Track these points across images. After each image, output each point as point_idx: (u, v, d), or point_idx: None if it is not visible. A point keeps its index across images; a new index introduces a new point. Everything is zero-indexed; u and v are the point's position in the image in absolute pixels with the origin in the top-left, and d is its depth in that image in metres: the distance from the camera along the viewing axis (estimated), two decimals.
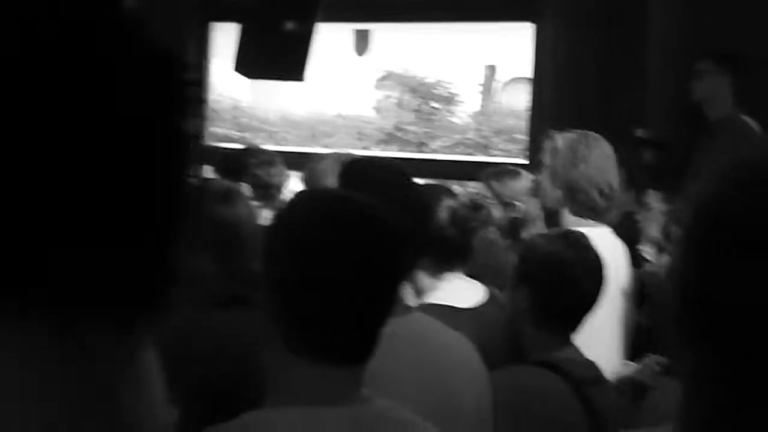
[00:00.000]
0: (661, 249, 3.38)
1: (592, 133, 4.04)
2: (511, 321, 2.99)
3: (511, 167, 5.22)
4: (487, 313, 3.16)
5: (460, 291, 3.19)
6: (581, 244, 3.00)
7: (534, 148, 5.81)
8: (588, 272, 2.96)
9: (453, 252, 3.18)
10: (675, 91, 5.98)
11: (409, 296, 3.10)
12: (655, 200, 4.69)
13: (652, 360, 3.13)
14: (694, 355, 1.04)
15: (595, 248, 3.02)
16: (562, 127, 4.23)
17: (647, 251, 3.58)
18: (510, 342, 3.01)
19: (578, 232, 3.17)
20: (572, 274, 2.92)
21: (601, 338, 3.51)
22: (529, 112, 6.75)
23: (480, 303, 3.22)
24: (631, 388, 3.20)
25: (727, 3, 5.88)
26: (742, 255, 0.97)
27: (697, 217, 1.04)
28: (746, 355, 0.98)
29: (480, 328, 2.93)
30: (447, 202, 3.20)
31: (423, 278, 3.14)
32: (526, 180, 4.88)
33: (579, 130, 4.08)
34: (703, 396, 1.04)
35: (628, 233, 4.68)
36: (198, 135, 0.80)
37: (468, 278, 3.27)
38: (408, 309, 2.37)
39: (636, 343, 3.83)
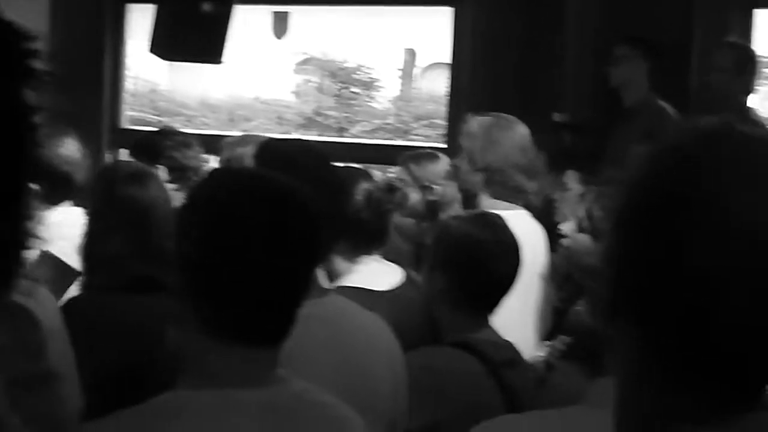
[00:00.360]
0: (582, 229, 3.39)
1: (508, 116, 4.07)
2: (428, 303, 2.98)
3: (429, 150, 5.22)
4: (404, 296, 3.15)
5: (377, 274, 3.18)
6: (497, 225, 3.01)
7: (453, 133, 5.81)
8: (504, 253, 2.96)
9: (368, 235, 3.17)
10: (592, 76, 6.02)
11: (325, 279, 3.08)
12: (572, 181, 4.72)
13: (560, 341, 3.14)
14: (630, 339, 1.04)
15: (511, 229, 3.02)
16: (479, 112, 4.24)
17: (565, 229, 3.60)
18: (427, 324, 3.00)
19: (494, 213, 3.18)
20: (487, 255, 2.92)
21: (517, 320, 3.53)
22: (448, 97, 6.75)
23: (396, 285, 3.20)
24: (542, 368, 3.22)
25: None
26: (676, 233, 0.99)
27: (628, 199, 1.06)
28: (684, 334, 0.99)
29: (396, 311, 2.92)
30: (363, 185, 3.18)
31: (339, 261, 3.12)
32: (444, 163, 4.89)
33: (495, 113, 4.10)
34: (643, 379, 1.05)
35: (549, 217, 4.71)
36: (37, 105, 0.80)
37: (384, 261, 3.25)
38: (324, 291, 2.35)
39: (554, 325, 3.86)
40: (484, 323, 2.95)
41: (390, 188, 3.42)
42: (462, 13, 6.43)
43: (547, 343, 3.43)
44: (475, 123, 4.06)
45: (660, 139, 1.10)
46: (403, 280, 3.24)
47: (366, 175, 3.31)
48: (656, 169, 1.04)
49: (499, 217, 3.09)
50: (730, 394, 1.02)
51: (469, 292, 2.92)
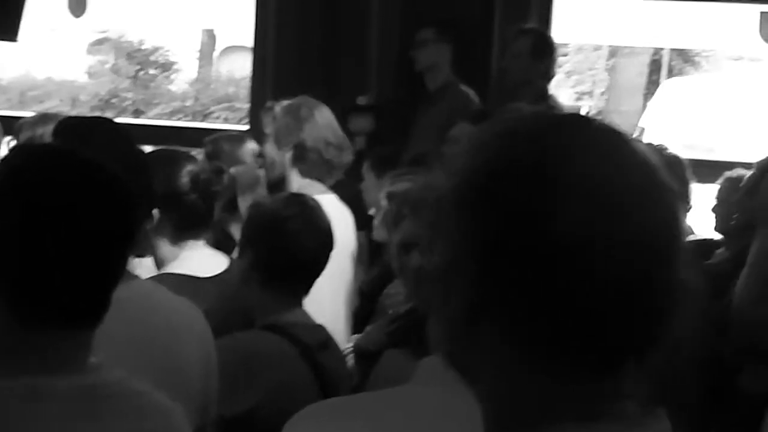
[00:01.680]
0: (385, 220, 3.41)
1: (311, 99, 4.08)
2: (240, 286, 2.92)
3: (233, 132, 5.15)
4: (229, 282, 3.06)
5: (203, 260, 3.09)
6: (306, 204, 2.97)
7: (255, 118, 5.75)
8: (312, 233, 2.93)
9: (195, 218, 3.06)
10: (396, 59, 6.06)
11: (150, 265, 2.98)
12: (368, 170, 4.75)
13: (379, 327, 3.14)
14: (495, 331, 1.04)
15: (320, 209, 2.99)
16: (283, 96, 4.23)
17: (375, 217, 3.62)
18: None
19: (303, 194, 3.15)
20: (294, 233, 2.88)
21: (329, 303, 3.52)
22: (251, 81, 6.66)
23: (221, 271, 3.12)
24: (359, 353, 3.21)
25: None
26: (540, 213, 1.01)
27: (464, 185, 1.05)
28: (555, 316, 1.01)
29: (221, 298, 2.86)
30: (188, 167, 3.08)
31: (163, 246, 3.02)
32: (249, 144, 4.83)
33: (300, 96, 4.10)
34: (512, 370, 1.05)
35: (352, 199, 4.72)
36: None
37: (210, 247, 3.17)
38: (133, 275, 2.27)
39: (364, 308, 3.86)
40: (295, 305, 2.91)
41: (218, 170, 3.34)
42: None
43: (366, 329, 3.42)
44: (278, 107, 4.07)
45: (494, 124, 1.11)
46: (228, 265, 3.16)
47: (189, 157, 3.22)
48: (504, 152, 1.05)
49: (309, 197, 3.06)
50: (596, 369, 1.04)
51: (277, 271, 2.87)
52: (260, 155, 4.46)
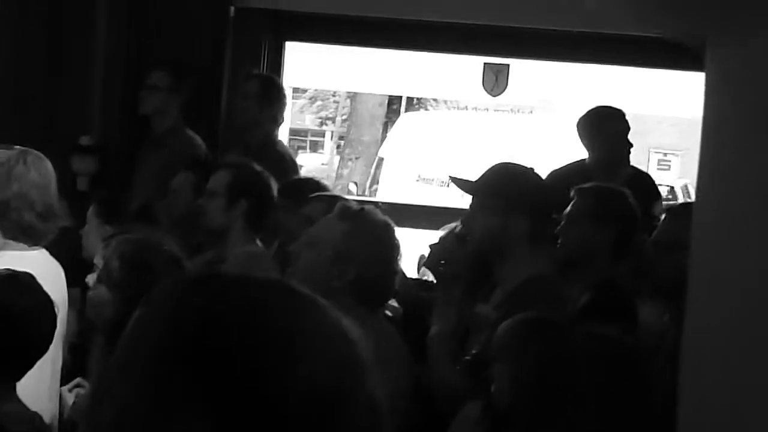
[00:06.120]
0: (100, 279, 3.32)
1: (33, 151, 3.88)
2: None
3: None
4: None
5: None
6: (25, 285, 2.87)
7: None
8: (40, 313, 2.84)
9: None
10: (122, 99, 5.92)
11: None
12: (92, 215, 4.61)
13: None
14: None
15: (40, 288, 2.90)
16: (3, 140, 4.02)
17: (89, 280, 3.50)
18: None
19: (23, 273, 3.01)
20: (21, 318, 2.79)
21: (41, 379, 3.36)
22: None
23: None
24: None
25: (169, 14, 5.90)
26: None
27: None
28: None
29: None
30: None
31: None
32: None
33: (19, 147, 3.89)
34: None
35: (68, 249, 4.56)
36: None
37: None
38: None
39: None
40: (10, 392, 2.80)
41: None
42: None
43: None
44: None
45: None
46: None
47: None
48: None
49: (27, 276, 2.94)
50: None
51: None
52: None
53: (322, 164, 25.35)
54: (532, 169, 3.71)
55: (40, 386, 3.22)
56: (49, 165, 3.82)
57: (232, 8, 5.99)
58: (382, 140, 15.48)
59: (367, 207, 3.56)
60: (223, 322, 1.09)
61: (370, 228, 3.31)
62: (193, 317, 1.09)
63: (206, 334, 1.08)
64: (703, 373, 2.01)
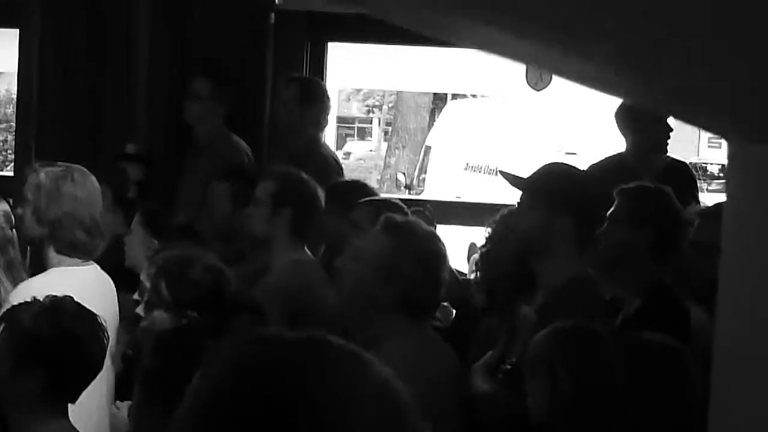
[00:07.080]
0: (151, 303, 3.38)
1: (78, 167, 3.94)
2: None
3: None
4: None
5: None
6: (73, 312, 2.93)
7: (21, 165, 5.56)
8: (90, 337, 2.91)
9: None
10: (166, 107, 5.94)
11: None
12: (137, 225, 4.66)
13: None
14: None
15: (87, 311, 2.95)
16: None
17: (139, 310, 3.53)
18: None
19: (65, 299, 3.05)
20: (73, 345, 2.85)
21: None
22: (15, 124, 6.43)
23: None
24: None
25: (210, 20, 5.91)
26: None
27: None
28: None
29: None
30: None
31: None
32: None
33: (64, 164, 3.94)
34: None
35: (116, 256, 4.62)
36: None
37: None
38: None
39: None
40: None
41: None
42: (27, 37, 6.09)
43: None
44: (43, 174, 3.86)
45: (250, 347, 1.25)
46: None
47: None
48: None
49: (70, 300, 2.99)
50: None
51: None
52: (17, 218, 4.26)
53: (370, 150, 25.38)
54: (583, 171, 3.70)
55: (89, 403, 3.27)
56: (94, 180, 3.89)
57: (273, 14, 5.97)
58: (429, 128, 15.46)
59: (412, 219, 3.57)
60: (284, 385, 1.17)
61: (416, 242, 3.30)
62: (252, 382, 1.18)
63: (267, 395, 1.16)
64: (734, 377, 1.99)
